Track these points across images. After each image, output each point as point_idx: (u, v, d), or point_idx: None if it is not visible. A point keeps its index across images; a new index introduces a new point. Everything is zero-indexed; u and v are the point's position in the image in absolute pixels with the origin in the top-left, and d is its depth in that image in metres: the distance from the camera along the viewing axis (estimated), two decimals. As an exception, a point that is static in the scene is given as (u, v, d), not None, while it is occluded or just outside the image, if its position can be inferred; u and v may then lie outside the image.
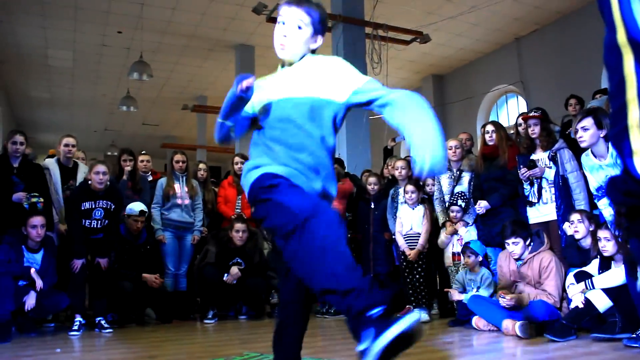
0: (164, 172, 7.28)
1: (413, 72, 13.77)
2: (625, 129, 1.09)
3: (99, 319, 4.85)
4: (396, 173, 5.83)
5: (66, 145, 5.60)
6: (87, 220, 4.96)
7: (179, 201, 5.88)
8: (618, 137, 1.12)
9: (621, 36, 1.10)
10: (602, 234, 3.81)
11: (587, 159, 3.82)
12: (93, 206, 4.96)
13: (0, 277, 4.45)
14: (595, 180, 3.77)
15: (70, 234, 5.09)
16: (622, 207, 1.28)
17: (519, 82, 11.71)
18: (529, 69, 11.53)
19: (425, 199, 5.59)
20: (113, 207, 5.08)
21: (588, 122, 3.76)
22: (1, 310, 4.27)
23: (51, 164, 5.58)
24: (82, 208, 4.92)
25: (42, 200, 4.97)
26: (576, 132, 3.84)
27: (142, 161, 6.35)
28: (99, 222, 5.00)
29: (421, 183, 5.79)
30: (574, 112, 6.28)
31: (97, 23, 10.49)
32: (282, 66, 2.13)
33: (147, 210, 5.54)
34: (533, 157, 4.80)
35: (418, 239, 5.34)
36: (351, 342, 3.96)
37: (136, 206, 5.44)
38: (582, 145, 3.86)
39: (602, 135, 3.70)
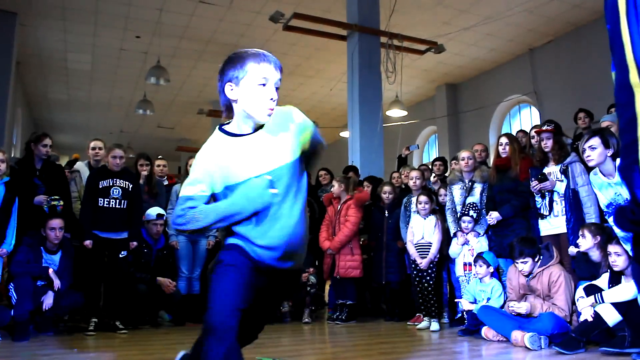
0: (179, 175, 7.37)
1: (427, 81, 13.82)
2: (636, 161, 1.16)
3: (113, 320, 4.95)
4: (410, 183, 5.91)
5: (93, 148, 5.76)
6: (105, 199, 4.99)
7: (192, 206, 5.94)
8: (628, 169, 1.19)
9: (633, 77, 1.16)
10: (613, 248, 3.84)
11: (595, 177, 3.87)
12: (111, 184, 5.03)
13: (20, 277, 4.57)
14: (605, 198, 3.81)
15: (80, 214, 5.16)
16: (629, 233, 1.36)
17: (532, 93, 11.72)
18: (542, 79, 11.54)
19: (436, 209, 5.64)
20: (131, 186, 5.14)
21: (595, 141, 3.82)
22: (20, 309, 4.39)
23: (81, 167, 5.78)
24: (100, 187, 5.00)
25: (62, 203, 5.08)
26: (584, 151, 3.90)
27: (158, 166, 6.45)
28: (117, 201, 5.03)
29: (434, 194, 5.87)
30: (584, 125, 6.33)
31: (116, 28, 10.66)
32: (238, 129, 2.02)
33: (164, 213, 5.64)
34: (545, 170, 4.84)
35: (429, 248, 5.40)
36: (361, 348, 4.04)
37: (153, 211, 5.55)
38: (590, 164, 3.92)
39: (609, 155, 3.75)
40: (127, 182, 5.13)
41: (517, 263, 4.38)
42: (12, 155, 10.72)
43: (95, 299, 5.01)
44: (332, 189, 6.13)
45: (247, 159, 1.94)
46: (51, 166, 5.41)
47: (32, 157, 5.27)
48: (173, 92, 14.18)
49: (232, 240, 1.99)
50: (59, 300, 4.73)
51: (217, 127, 2.10)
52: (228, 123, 2.06)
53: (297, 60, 12.36)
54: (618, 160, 3.75)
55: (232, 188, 1.93)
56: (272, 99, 1.93)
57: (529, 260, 4.34)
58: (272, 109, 1.94)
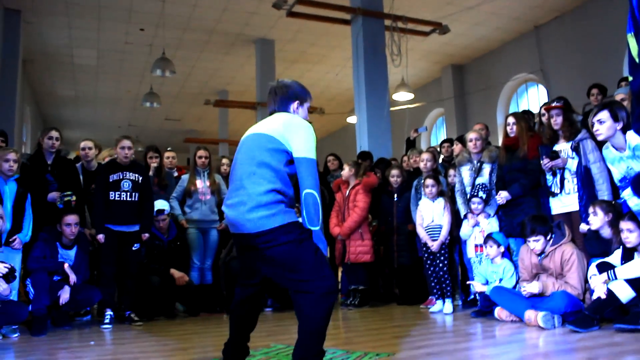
0: (188, 167, 7.39)
1: (432, 63, 13.74)
2: None
3: (128, 312, 5.00)
4: (421, 165, 5.90)
5: (82, 148, 5.80)
6: (116, 193, 5.03)
7: (201, 197, 6.00)
8: None
9: None
10: (625, 225, 3.81)
11: (607, 151, 3.84)
12: (121, 177, 5.07)
13: (36, 272, 4.62)
14: (618, 172, 3.78)
15: (93, 208, 5.20)
16: None
17: (539, 71, 11.62)
18: (549, 57, 11.43)
19: (444, 191, 5.63)
20: (141, 179, 5.18)
21: (604, 115, 3.78)
22: (37, 304, 4.45)
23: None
24: (110, 180, 5.04)
25: (74, 198, 5.12)
26: (592, 125, 3.86)
27: (167, 157, 6.48)
28: (127, 193, 5.07)
29: (442, 175, 5.86)
30: (596, 102, 6.24)
31: (120, 21, 10.68)
32: None
33: (164, 209, 5.65)
34: (556, 147, 4.80)
35: (439, 231, 5.39)
36: (375, 333, 4.05)
37: (156, 205, 5.55)
38: (599, 138, 3.89)
39: (618, 128, 3.72)
40: (136, 175, 5.16)
41: (529, 241, 4.36)
42: (23, 152, 10.80)
43: (110, 291, 5.06)
44: (342, 172, 6.11)
45: None
46: (62, 161, 5.45)
47: (42, 153, 5.31)
48: (179, 83, 14.21)
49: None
50: (75, 294, 4.79)
51: None
52: None
53: (301, 46, 12.32)
54: (629, 133, 3.72)
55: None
56: None
57: (541, 238, 4.32)
58: None
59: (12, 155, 4.75)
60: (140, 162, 5.60)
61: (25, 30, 10.39)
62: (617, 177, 3.87)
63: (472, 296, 5.41)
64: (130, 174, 5.12)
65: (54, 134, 5.32)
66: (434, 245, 5.36)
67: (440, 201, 5.48)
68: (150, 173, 5.96)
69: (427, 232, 5.46)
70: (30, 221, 4.86)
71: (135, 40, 11.58)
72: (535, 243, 4.34)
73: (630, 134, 3.66)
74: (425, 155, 5.94)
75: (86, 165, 5.77)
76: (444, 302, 5.28)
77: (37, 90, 14.74)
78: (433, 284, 5.42)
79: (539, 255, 4.40)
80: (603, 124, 3.78)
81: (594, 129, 3.89)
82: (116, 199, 5.03)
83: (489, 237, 4.88)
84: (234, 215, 2.53)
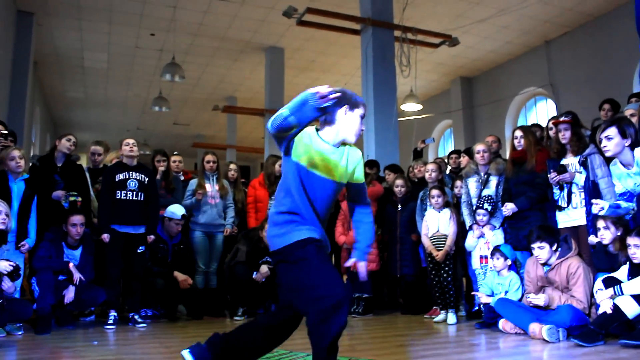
0: (195, 171, 7.42)
1: (442, 75, 13.77)
2: None
3: (132, 314, 5.01)
4: (426, 175, 5.90)
5: (93, 153, 5.92)
6: (122, 192, 5.04)
7: (210, 200, 6.02)
8: None
9: None
10: (633, 240, 3.80)
11: (615, 167, 3.84)
12: (127, 176, 5.09)
13: (41, 272, 4.64)
14: (623, 187, 3.77)
15: (98, 208, 5.23)
16: None
17: (549, 85, 11.62)
18: (558, 71, 11.43)
19: (450, 202, 5.63)
20: (147, 180, 5.20)
21: (612, 131, 3.78)
22: (42, 303, 4.46)
23: None
24: (117, 179, 5.06)
25: (80, 199, 5.15)
26: (600, 141, 3.86)
27: (174, 161, 6.50)
28: (134, 192, 5.08)
29: (448, 187, 5.86)
30: (606, 118, 6.22)
31: (131, 26, 10.76)
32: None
33: (186, 214, 5.70)
34: (563, 161, 4.79)
35: (444, 241, 5.39)
36: (378, 341, 4.04)
37: (178, 210, 5.59)
38: (607, 154, 3.89)
39: (626, 145, 3.71)
40: (142, 175, 5.18)
41: (534, 248, 4.36)
42: (32, 154, 10.86)
43: (115, 293, 5.07)
44: None
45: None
46: (72, 165, 5.50)
47: (53, 155, 5.36)
48: (188, 88, 14.28)
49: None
50: (80, 294, 4.80)
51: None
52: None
53: (311, 55, 12.37)
54: (637, 150, 3.71)
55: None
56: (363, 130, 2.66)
57: (546, 246, 4.31)
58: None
59: (16, 152, 4.78)
60: (146, 164, 5.63)
61: (37, 32, 10.48)
62: (619, 190, 3.86)
63: (476, 307, 5.39)
64: (137, 174, 5.15)
65: (72, 138, 5.44)
66: (439, 255, 5.35)
67: (446, 212, 5.48)
68: (158, 177, 5.99)
69: (432, 242, 5.45)
70: (35, 225, 4.86)
71: (146, 44, 11.66)
72: (540, 251, 4.32)
73: (639, 150, 3.65)
74: (430, 166, 5.95)
75: (92, 165, 5.81)
76: (447, 312, 5.26)
77: (47, 92, 14.84)
78: (437, 294, 5.41)
79: (544, 265, 4.39)
80: (611, 140, 3.78)
81: (602, 145, 3.89)
82: (122, 197, 5.04)
83: (496, 250, 4.87)
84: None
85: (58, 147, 5.34)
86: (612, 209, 3.75)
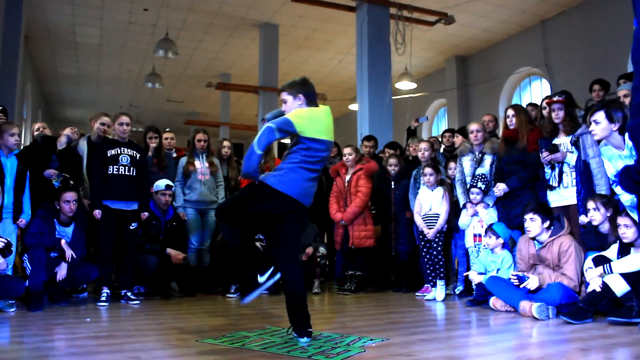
0: (187, 148, 7.38)
1: (437, 53, 13.69)
2: None
3: (124, 291, 5.02)
4: (419, 154, 5.89)
5: (102, 123, 5.76)
6: (114, 167, 5.02)
7: (199, 177, 6.00)
8: (636, 130, 1.15)
9: None
10: (622, 220, 3.83)
11: (606, 148, 3.84)
12: (119, 152, 5.07)
13: (33, 249, 4.64)
14: (614, 168, 3.78)
15: (90, 184, 5.24)
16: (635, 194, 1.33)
17: (543, 65, 11.58)
18: (553, 51, 11.38)
19: (444, 180, 5.65)
20: (138, 155, 5.19)
21: (600, 116, 3.78)
22: (34, 280, 4.46)
23: (80, 142, 5.78)
24: (109, 155, 5.03)
25: (72, 182, 5.19)
26: (589, 124, 3.87)
27: (166, 139, 6.46)
28: (126, 167, 5.06)
29: (442, 166, 5.87)
30: (598, 99, 6.22)
31: (123, 0, 10.60)
32: None
33: (172, 185, 5.68)
34: (555, 141, 4.81)
35: (437, 220, 5.42)
36: (369, 318, 4.08)
37: (162, 182, 5.59)
38: (595, 138, 3.91)
39: (614, 129, 3.71)
40: (134, 151, 5.16)
41: (526, 220, 4.40)
42: (26, 128, 10.76)
43: (107, 269, 5.08)
44: (346, 157, 6.07)
45: None
46: (71, 152, 5.55)
47: (56, 138, 5.43)
48: (182, 65, 14.15)
49: None
50: (72, 271, 4.80)
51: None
52: None
53: (305, 32, 12.26)
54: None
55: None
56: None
57: (538, 219, 4.34)
58: None
59: (16, 129, 4.79)
60: (140, 143, 5.61)
61: (27, 5, 10.31)
62: (611, 172, 3.87)
63: (460, 287, 5.47)
64: (128, 149, 5.13)
65: (76, 128, 5.73)
66: (430, 233, 5.39)
67: (439, 190, 5.50)
68: (150, 153, 5.96)
69: (425, 220, 5.49)
70: (29, 200, 4.87)
71: (139, 20, 11.51)
72: (532, 223, 4.35)
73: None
74: (423, 145, 5.93)
75: (95, 139, 5.76)
76: (436, 287, 5.31)
77: (39, 67, 14.68)
78: (428, 271, 5.45)
79: (533, 239, 4.43)
80: (598, 124, 3.79)
81: (590, 129, 3.90)
82: (114, 172, 5.01)
83: (489, 228, 4.90)
84: None
85: (64, 133, 5.54)
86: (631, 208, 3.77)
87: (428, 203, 5.50)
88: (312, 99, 3.32)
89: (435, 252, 5.40)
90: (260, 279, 3.09)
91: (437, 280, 5.34)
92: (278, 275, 3.10)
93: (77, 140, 5.77)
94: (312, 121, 3.15)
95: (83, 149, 5.70)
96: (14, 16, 9.74)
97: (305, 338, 3.06)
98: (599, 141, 4.09)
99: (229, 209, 3.22)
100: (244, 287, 5.71)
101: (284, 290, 3.24)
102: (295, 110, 3.18)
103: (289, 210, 3.14)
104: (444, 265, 5.40)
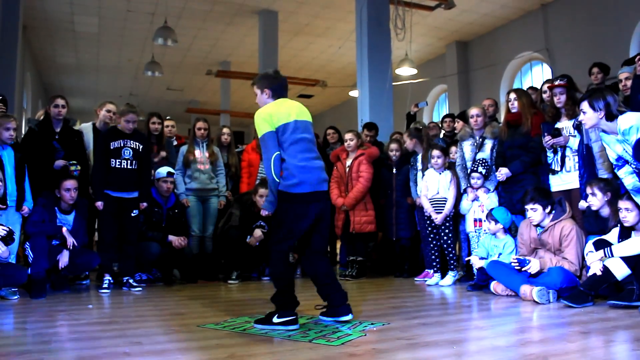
0: (188, 136, 7.38)
1: (437, 39, 13.60)
2: None
3: (126, 278, 5.04)
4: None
5: (108, 111, 5.76)
6: (117, 160, 5.03)
7: (199, 166, 6.02)
8: None
9: None
10: (623, 204, 3.83)
11: (603, 134, 3.82)
12: (122, 145, 5.07)
13: (35, 236, 4.65)
14: (615, 152, 3.77)
15: (92, 174, 5.24)
16: None
17: (544, 49, 11.51)
18: (554, 36, 11.31)
19: (452, 164, 5.62)
20: (141, 147, 5.19)
21: (584, 106, 3.76)
22: (37, 267, 4.47)
23: (86, 128, 5.78)
24: (112, 147, 5.04)
25: (79, 168, 5.19)
26: (579, 113, 3.88)
27: (167, 126, 6.46)
28: (128, 161, 5.07)
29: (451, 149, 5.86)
30: (597, 81, 6.17)
31: (122, -12, 10.53)
32: None
33: (174, 172, 5.69)
34: (558, 125, 4.79)
35: (444, 204, 5.39)
36: (371, 303, 4.08)
37: (163, 169, 5.60)
38: (586, 127, 3.93)
39: (600, 117, 3.70)
40: (137, 143, 5.15)
41: (527, 210, 4.40)
42: (28, 117, 10.73)
43: (109, 257, 5.09)
44: (347, 142, 6.06)
45: None
46: (69, 130, 5.51)
47: (50, 121, 5.38)
48: (181, 53, 14.09)
49: None
50: (74, 259, 4.82)
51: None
52: None
53: (305, 19, 12.19)
54: (620, 117, 3.67)
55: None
56: None
57: (539, 207, 4.35)
58: None
59: (12, 124, 4.75)
60: (142, 130, 5.59)
61: (25, -7, 10.25)
62: (612, 156, 3.85)
63: (456, 275, 5.50)
64: (131, 142, 5.12)
65: (60, 101, 5.44)
66: (439, 218, 5.37)
67: (447, 174, 5.46)
68: (152, 140, 5.95)
69: (431, 204, 5.46)
70: (29, 188, 4.88)
71: (137, 8, 11.44)
72: (533, 212, 4.36)
73: (621, 118, 3.63)
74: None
75: (101, 127, 5.75)
76: (445, 274, 5.33)
77: (38, 56, 14.61)
78: (434, 257, 5.45)
79: (537, 226, 4.43)
80: (585, 114, 3.78)
81: (580, 118, 3.91)
82: (117, 166, 5.02)
83: (489, 214, 4.90)
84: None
85: (51, 115, 5.33)
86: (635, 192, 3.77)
87: (435, 187, 5.46)
88: (279, 93, 3.40)
89: (445, 238, 5.38)
90: (275, 320, 3.08)
91: (449, 269, 5.35)
92: (293, 327, 3.07)
93: (73, 119, 5.74)
94: (277, 112, 3.25)
95: (89, 137, 5.71)
96: (11, 5, 9.67)
97: (350, 315, 3.29)
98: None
99: (285, 249, 3.23)
100: (245, 274, 5.78)
101: (313, 280, 3.39)
102: (259, 113, 3.27)
103: (324, 199, 3.32)
104: (454, 250, 5.40)
